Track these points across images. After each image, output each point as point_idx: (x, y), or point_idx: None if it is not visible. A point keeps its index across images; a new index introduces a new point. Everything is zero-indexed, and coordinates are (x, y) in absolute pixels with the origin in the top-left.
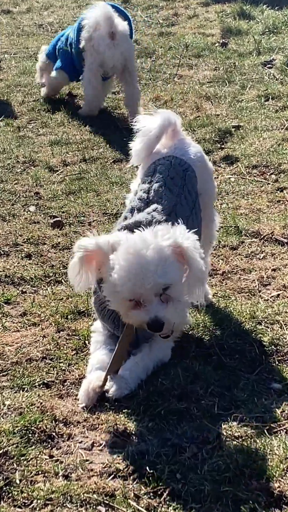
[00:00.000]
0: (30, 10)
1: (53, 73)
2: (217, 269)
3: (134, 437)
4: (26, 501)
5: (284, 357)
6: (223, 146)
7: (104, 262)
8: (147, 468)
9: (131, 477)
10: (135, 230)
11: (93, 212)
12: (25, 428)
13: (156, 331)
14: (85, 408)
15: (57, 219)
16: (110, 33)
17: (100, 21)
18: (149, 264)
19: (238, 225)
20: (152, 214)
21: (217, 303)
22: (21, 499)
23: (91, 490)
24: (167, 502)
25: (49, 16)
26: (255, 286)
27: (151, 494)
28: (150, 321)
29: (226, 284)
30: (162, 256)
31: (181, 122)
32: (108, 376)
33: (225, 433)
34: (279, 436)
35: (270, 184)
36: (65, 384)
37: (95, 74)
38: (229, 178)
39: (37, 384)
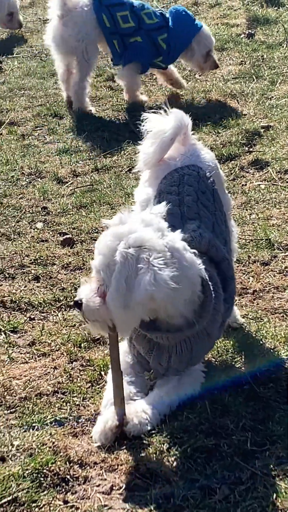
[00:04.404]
0: (34, 4)
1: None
2: (247, 287)
3: (157, 479)
4: None
5: None
6: (251, 149)
7: None
8: None
9: None
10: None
11: (107, 228)
12: (36, 471)
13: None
14: (102, 447)
15: (67, 236)
16: None
17: None
18: (99, 248)
19: (269, 237)
20: (199, 232)
21: (247, 326)
22: None
23: None
24: None
25: None
26: None
27: None
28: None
29: (257, 304)
30: (112, 258)
31: (202, 124)
32: (127, 411)
33: (259, 472)
34: None
35: None
36: (80, 420)
37: None
38: (259, 185)
39: (48, 421)
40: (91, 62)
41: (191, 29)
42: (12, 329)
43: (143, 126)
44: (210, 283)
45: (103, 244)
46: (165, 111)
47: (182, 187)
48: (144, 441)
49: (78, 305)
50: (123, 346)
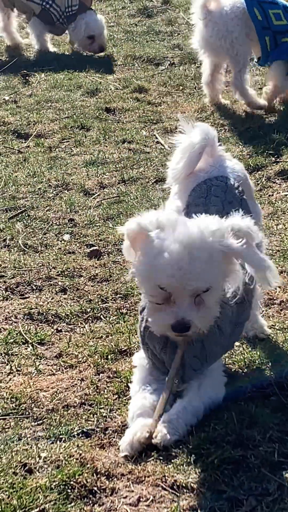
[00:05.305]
0: None
1: None
2: (274, 298)
3: (184, 490)
4: None
5: None
6: (278, 159)
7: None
8: None
9: None
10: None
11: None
12: (64, 483)
13: (180, 333)
14: (129, 458)
15: (94, 248)
16: None
17: None
18: (197, 265)
19: None
20: None
21: (274, 337)
22: None
23: None
24: None
25: None
26: None
27: None
28: (176, 323)
29: (285, 314)
30: (214, 259)
31: (229, 135)
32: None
33: (287, 484)
34: None
35: None
36: (107, 432)
37: None
38: (286, 195)
39: (75, 433)
40: (242, 57)
41: None
42: (39, 341)
43: (171, 140)
44: None
45: (185, 261)
46: (190, 124)
47: (209, 198)
48: (171, 453)
49: (186, 328)
50: (140, 354)
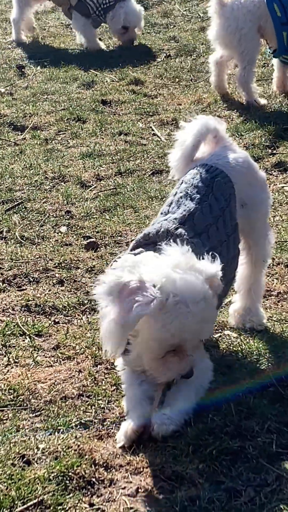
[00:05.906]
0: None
1: None
2: (272, 289)
3: (183, 481)
4: None
5: None
6: (274, 151)
7: None
8: None
9: None
10: (142, 247)
11: (130, 231)
12: (62, 474)
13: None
14: (127, 449)
15: (91, 240)
16: None
17: None
18: (210, 316)
19: None
20: (161, 223)
21: (272, 328)
22: None
23: None
24: None
25: None
26: None
27: None
28: (190, 372)
29: (282, 306)
30: (213, 306)
31: (225, 127)
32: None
33: (285, 474)
34: None
35: None
36: (105, 423)
37: None
38: (283, 187)
39: (73, 424)
40: (249, 54)
41: None
42: (36, 332)
43: (167, 132)
44: None
45: (203, 318)
46: (191, 118)
47: (179, 187)
48: (170, 444)
49: (190, 374)
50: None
